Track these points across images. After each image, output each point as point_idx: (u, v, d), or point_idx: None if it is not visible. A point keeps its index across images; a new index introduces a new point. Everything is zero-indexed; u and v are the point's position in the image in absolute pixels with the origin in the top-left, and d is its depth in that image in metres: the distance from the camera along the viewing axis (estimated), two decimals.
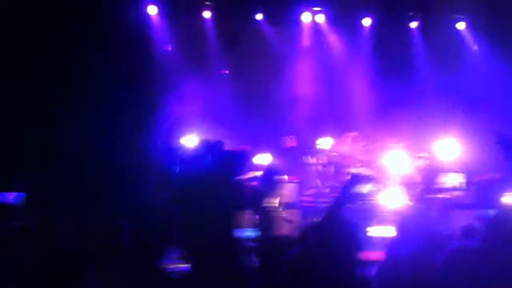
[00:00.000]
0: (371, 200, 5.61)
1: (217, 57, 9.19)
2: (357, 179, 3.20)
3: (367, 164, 7.37)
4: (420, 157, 6.64)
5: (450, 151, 6.36)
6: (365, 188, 5.48)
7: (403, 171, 6.26)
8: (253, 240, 4.02)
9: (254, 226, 5.02)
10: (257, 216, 5.43)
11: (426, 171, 6.35)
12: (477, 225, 3.48)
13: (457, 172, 5.81)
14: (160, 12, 8.64)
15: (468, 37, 9.55)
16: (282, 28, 9.45)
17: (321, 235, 2.88)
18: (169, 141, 7.17)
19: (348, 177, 3.24)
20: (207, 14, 9.02)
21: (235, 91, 8.98)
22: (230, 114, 8.58)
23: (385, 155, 6.92)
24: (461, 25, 9.53)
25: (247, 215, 5.59)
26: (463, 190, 5.83)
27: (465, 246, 3.18)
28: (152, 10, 8.57)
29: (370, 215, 5.44)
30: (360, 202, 5.27)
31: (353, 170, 6.73)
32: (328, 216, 2.99)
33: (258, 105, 9.02)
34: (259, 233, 4.24)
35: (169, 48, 8.72)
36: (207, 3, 8.94)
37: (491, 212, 2.99)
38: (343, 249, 2.82)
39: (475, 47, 9.41)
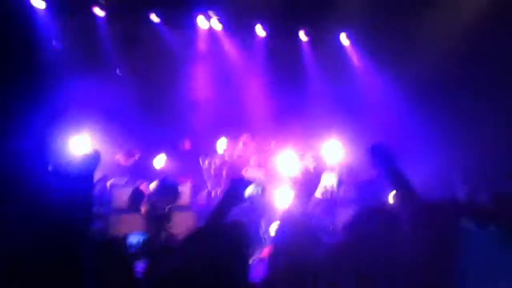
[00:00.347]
0: (259, 200, 5.86)
1: (112, 57, 8.98)
2: (240, 181, 3.36)
3: (258, 165, 7.65)
4: (307, 158, 7.03)
5: (334, 153, 6.80)
6: (252, 190, 5.72)
7: (291, 172, 6.59)
8: (142, 245, 4.06)
9: (144, 230, 5.03)
10: (149, 220, 5.45)
11: (312, 172, 6.75)
12: (349, 222, 3.79)
13: (339, 172, 6.24)
14: (48, 7, 8.26)
15: (351, 50, 10.28)
16: (179, 31, 9.47)
17: (206, 237, 2.98)
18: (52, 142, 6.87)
19: (231, 180, 3.40)
20: (100, 12, 8.79)
21: (132, 93, 8.84)
22: (126, 116, 8.44)
23: (275, 156, 7.23)
24: (345, 39, 10.22)
25: (138, 220, 5.60)
26: (344, 189, 6.28)
27: (337, 242, 3.46)
28: (40, 4, 8.17)
29: (259, 215, 5.68)
30: (248, 203, 5.49)
31: (242, 172, 6.95)
32: (212, 219, 3.11)
33: (155, 107, 8.96)
34: (149, 237, 4.28)
35: (58, 45, 8.36)
36: (100, 1, 8.73)
37: (358, 209, 3.32)
38: (230, 249, 2.92)
39: (355, 60, 10.16)
